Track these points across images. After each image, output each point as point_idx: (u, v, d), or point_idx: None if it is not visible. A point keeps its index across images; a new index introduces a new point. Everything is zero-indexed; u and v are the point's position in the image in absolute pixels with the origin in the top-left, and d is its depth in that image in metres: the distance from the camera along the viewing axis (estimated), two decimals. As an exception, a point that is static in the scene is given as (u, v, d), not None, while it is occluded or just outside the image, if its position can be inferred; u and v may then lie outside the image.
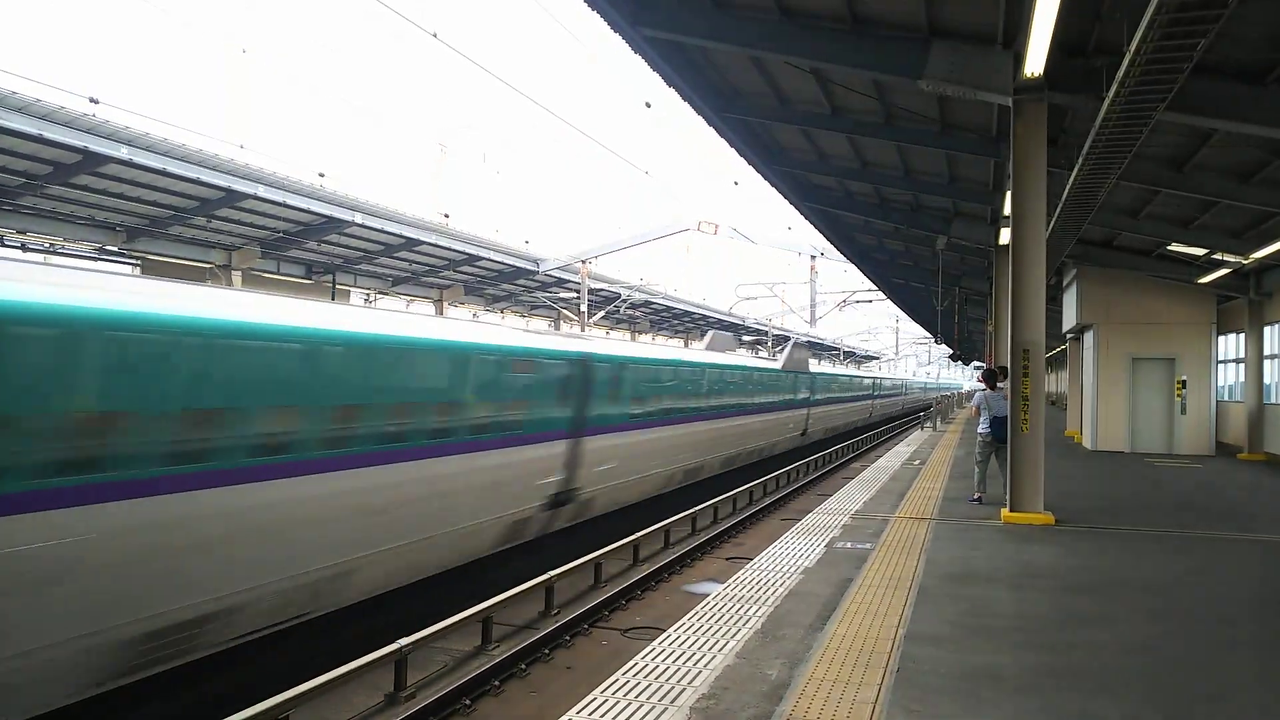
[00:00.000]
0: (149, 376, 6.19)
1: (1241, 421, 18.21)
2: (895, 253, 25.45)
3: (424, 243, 20.21)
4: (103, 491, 5.65)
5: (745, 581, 6.98)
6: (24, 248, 15.10)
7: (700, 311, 38.85)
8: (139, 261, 16.82)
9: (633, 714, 4.33)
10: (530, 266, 24.80)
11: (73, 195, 14.58)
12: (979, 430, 11.44)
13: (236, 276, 18.32)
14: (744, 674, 4.81)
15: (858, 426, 41.00)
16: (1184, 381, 18.22)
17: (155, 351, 6.25)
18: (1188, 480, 14.30)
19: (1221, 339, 19.21)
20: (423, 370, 9.42)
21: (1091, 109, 8.23)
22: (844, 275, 46.99)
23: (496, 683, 7.64)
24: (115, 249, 16.33)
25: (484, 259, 22.96)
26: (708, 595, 6.62)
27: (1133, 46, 6.11)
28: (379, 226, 18.35)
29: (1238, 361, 18.78)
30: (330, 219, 17.34)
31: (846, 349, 64.13)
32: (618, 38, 9.77)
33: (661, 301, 33.78)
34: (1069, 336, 24.58)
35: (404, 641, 7.24)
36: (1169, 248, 16.43)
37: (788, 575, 7.17)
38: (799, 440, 28.76)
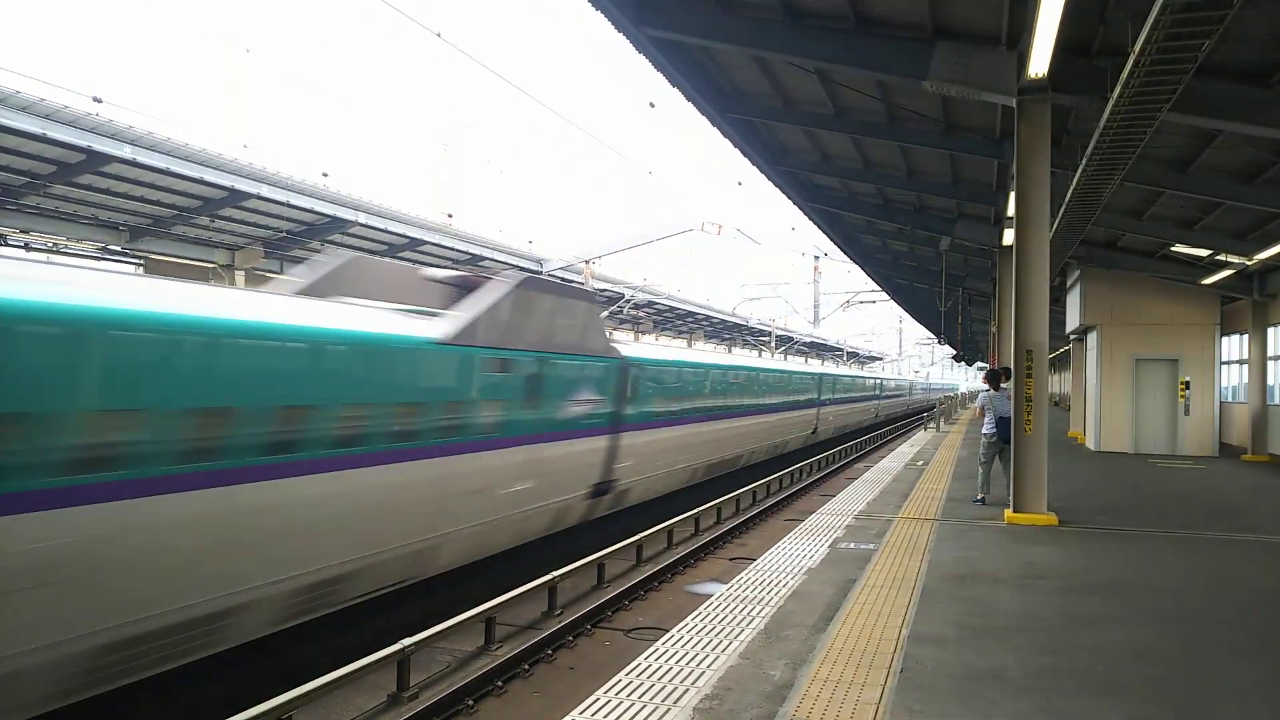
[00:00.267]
0: (371, 381, 8.12)
1: (1245, 423, 18.19)
2: (899, 253, 25.44)
3: (427, 243, 20.23)
4: (302, 468, 7.26)
5: (748, 582, 6.97)
6: (27, 247, 15.13)
7: (704, 312, 38.83)
8: (142, 261, 16.85)
9: (636, 714, 4.33)
10: (534, 267, 24.82)
11: (76, 195, 14.61)
12: (984, 431, 11.43)
13: (240, 276, 18.35)
14: (747, 674, 4.81)
15: (864, 426, 41.36)
16: (1187, 382, 18.19)
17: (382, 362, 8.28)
18: (1191, 481, 14.27)
19: (1225, 340, 19.18)
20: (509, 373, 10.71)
21: (1095, 110, 8.21)
22: (848, 276, 47.13)
23: (499, 683, 7.63)
24: (119, 248, 16.36)
25: (488, 259, 22.98)
26: (711, 596, 6.61)
27: (1137, 47, 6.10)
28: (382, 226, 18.37)
29: (1241, 363, 18.76)
30: (334, 219, 17.37)
31: (850, 349, 64.11)
32: (621, 38, 9.78)
33: (665, 302, 33.78)
34: (1072, 337, 24.54)
35: (407, 642, 7.24)
36: (1173, 249, 16.40)
37: (791, 576, 7.16)
38: (810, 438, 29.25)
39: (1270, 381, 17.46)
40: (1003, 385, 11.12)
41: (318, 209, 16.65)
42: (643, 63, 10.51)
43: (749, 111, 13.08)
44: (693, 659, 5.12)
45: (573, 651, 8.71)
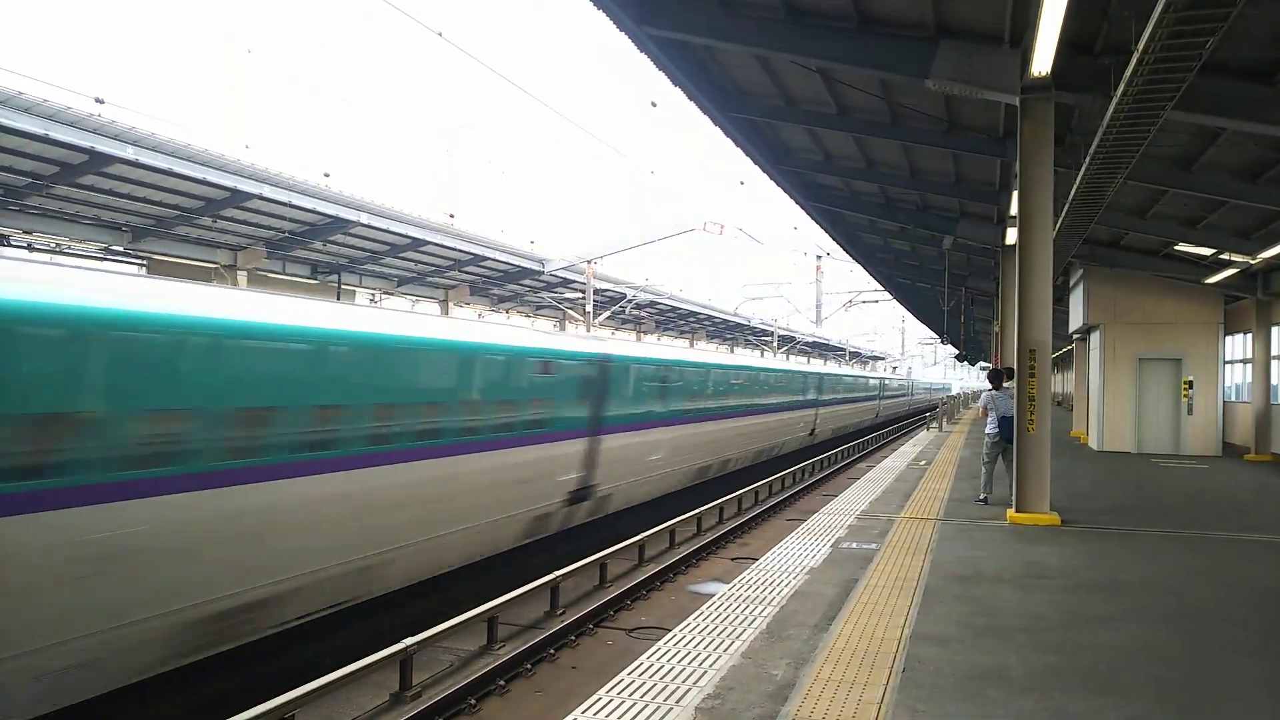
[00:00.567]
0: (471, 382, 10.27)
1: (1248, 422, 18.15)
2: (901, 253, 25.40)
3: (429, 243, 20.20)
4: (412, 454, 8.83)
5: (750, 582, 6.96)
6: (30, 248, 15.13)
7: (705, 312, 38.78)
8: (144, 261, 16.86)
9: (638, 714, 4.33)
10: (536, 266, 24.78)
11: (78, 195, 14.61)
12: (987, 430, 11.41)
13: (242, 276, 18.35)
14: (749, 674, 4.80)
15: (865, 427, 41.17)
16: (1190, 382, 18.15)
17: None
18: (1194, 481, 14.24)
19: (1228, 339, 19.13)
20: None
21: (1099, 108, 8.19)
22: (850, 275, 47.08)
23: (502, 682, 7.64)
24: (121, 249, 16.37)
25: (489, 259, 22.93)
26: (713, 595, 6.61)
27: (1141, 45, 6.08)
28: (384, 226, 18.35)
29: (1245, 362, 18.71)
30: (336, 219, 17.35)
31: (852, 349, 64.04)
32: (623, 37, 9.77)
33: (667, 302, 33.73)
34: (1075, 337, 24.50)
35: (409, 641, 7.24)
36: (1176, 248, 16.36)
37: (793, 575, 7.15)
38: (807, 440, 28.92)
39: (1274, 381, 17.41)
40: (1005, 385, 11.11)
41: (320, 209, 16.64)
42: (644, 62, 10.50)
43: (751, 111, 13.06)
44: (695, 658, 5.11)
45: (575, 651, 8.71)
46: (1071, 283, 21.07)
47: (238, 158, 14.58)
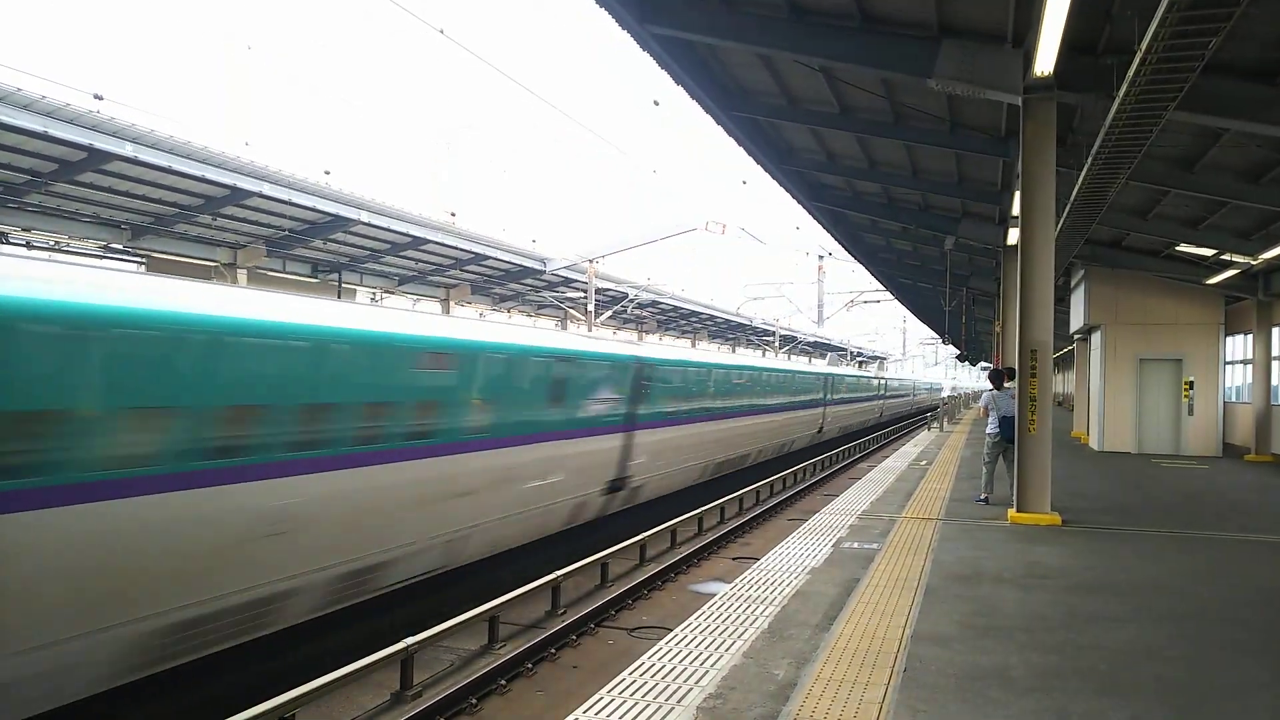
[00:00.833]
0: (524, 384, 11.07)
1: (1249, 423, 18.14)
2: (903, 253, 25.39)
3: (430, 241, 20.18)
4: (455, 448, 9.39)
5: (752, 581, 6.96)
6: (29, 245, 15.11)
7: (707, 312, 38.77)
8: (144, 259, 16.84)
9: (639, 713, 4.32)
10: (537, 266, 24.77)
11: (78, 193, 14.59)
12: (987, 430, 11.40)
13: (241, 275, 18.33)
14: (751, 674, 4.80)
15: (869, 426, 41.48)
16: (1191, 382, 18.15)
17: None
18: (1195, 481, 14.24)
19: (1229, 340, 19.13)
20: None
21: (1101, 108, 8.18)
22: (852, 275, 47.11)
23: (503, 682, 7.63)
24: (120, 247, 16.35)
25: (491, 258, 22.93)
26: (715, 595, 6.60)
27: (1143, 45, 6.07)
28: (385, 225, 18.33)
29: (1245, 363, 18.71)
30: (336, 217, 17.33)
31: (854, 349, 64.04)
32: (625, 35, 9.75)
33: (669, 301, 33.73)
34: (1076, 337, 24.50)
35: (410, 640, 7.24)
36: (1177, 248, 16.35)
37: (794, 575, 7.14)
38: (816, 437, 29.30)
39: (1274, 382, 17.40)
40: (1006, 385, 11.10)
41: (320, 207, 16.61)
42: (647, 61, 10.49)
43: (754, 110, 13.04)
44: (696, 658, 5.10)
45: (576, 650, 8.70)
46: (1073, 283, 21.06)
47: (237, 155, 14.55)
